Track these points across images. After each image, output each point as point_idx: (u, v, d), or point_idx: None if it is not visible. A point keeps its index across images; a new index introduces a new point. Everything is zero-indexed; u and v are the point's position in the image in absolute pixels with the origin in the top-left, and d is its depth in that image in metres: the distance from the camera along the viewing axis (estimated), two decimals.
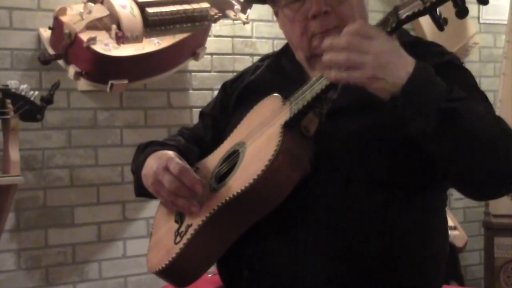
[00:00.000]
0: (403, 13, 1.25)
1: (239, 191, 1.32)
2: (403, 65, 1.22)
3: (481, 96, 1.41)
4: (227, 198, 1.34)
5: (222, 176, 1.46)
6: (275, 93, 1.47)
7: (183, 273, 1.43)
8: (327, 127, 1.40)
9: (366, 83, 1.22)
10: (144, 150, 1.60)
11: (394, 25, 1.26)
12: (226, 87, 1.72)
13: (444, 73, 1.29)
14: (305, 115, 1.37)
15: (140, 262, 3.29)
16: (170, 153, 1.50)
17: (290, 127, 1.35)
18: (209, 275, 2.64)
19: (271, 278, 1.39)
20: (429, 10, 1.24)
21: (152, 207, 1.65)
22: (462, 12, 1.24)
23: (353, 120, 1.40)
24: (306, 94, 1.35)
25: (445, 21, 1.26)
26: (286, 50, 1.63)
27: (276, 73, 1.61)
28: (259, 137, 1.41)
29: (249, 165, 1.38)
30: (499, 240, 3.73)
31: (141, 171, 1.54)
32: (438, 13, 1.25)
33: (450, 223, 3.32)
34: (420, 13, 1.25)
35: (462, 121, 1.22)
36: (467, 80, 1.43)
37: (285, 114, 1.37)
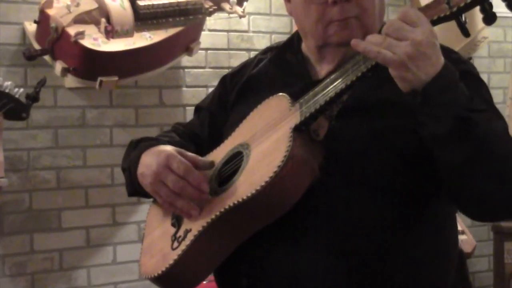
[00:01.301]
0: (428, 18, 1.26)
1: (244, 197, 1.31)
2: (435, 63, 1.24)
3: (496, 114, 1.42)
4: (231, 204, 1.33)
5: (224, 179, 1.44)
6: (279, 89, 1.46)
7: (181, 281, 1.43)
8: (334, 128, 1.40)
9: (393, 67, 1.24)
10: (137, 146, 1.59)
11: None
12: (226, 81, 1.70)
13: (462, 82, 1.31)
14: (316, 119, 1.36)
15: (131, 268, 3.30)
16: (169, 148, 1.48)
17: (300, 131, 1.35)
18: (205, 282, 2.63)
19: (271, 286, 1.40)
20: (455, 15, 1.25)
21: (144, 210, 1.65)
22: (490, 18, 1.24)
23: (360, 122, 1.41)
24: (319, 97, 1.34)
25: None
26: (291, 43, 1.63)
27: (280, 67, 1.61)
28: (265, 140, 1.40)
29: (255, 169, 1.37)
30: (509, 245, 3.74)
31: (135, 169, 1.53)
32: (463, 19, 1.25)
33: (458, 227, 3.32)
34: (446, 18, 1.26)
35: (476, 133, 1.24)
36: (483, 95, 1.45)
37: (294, 117, 1.36)
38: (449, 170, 1.30)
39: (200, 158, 1.48)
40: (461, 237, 3.51)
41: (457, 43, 3.64)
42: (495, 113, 1.40)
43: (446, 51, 1.47)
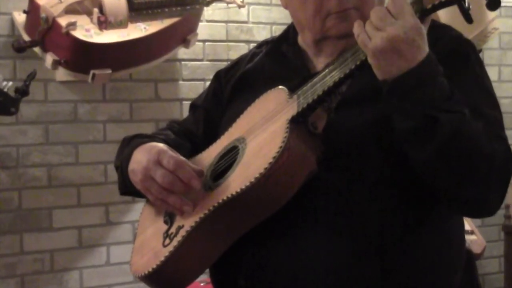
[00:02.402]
0: (429, 2, 1.26)
1: (238, 190, 1.32)
2: (410, 58, 1.25)
3: (490, 102, 1.42)
4: (225, 198, 1.34)
5: (219, 174, 1.45)
6: (276, 82, 1.47)
7: (172, 279, 1.43)
8: (333, 121, 1.41)
9: (367, 54, 1.27)
10: (130, 143, 1.60)
11: (418, 15, 1.27)
12: (220, 77, 1.71)
13: (457, 64, 1.32)
14: (314, 111, 1.37)
15: (125, 269, 3.29)
16: (161, 145, 1.50)
17: (297, 123, 1.36)
18: (201, 284, 2.65)
19: (269, 286, 1.40)
20: (458, 0, 1.25)
21: (138, 210, 1.65)
22: (493, 2, 1.24)
23: (360, 113, 1.41)
24: (317, 87, 1.35)
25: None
26: (286, 35, 1.64)
27: (276, 60, 1.61)
28: (261, 133, 1.41)
29: (250, 162, 1.37)
30: None
31: (127, 166, 1.53)
32: (467, 4, 1.25)
33: (467, 227, 3.32)
34: (448, 3, 1.26)
35: (442, 134, 1.25)
36: (480, 78, 1.45)
37: (292, 109, 1.37)
38: (416, 165, 1.32)
39: (190, 164, 1.48)
40: (470, 238, 3.51)
41: (467, 34, 3.63)
42: (488, 101, 1.41)
43: (447, 29, 1.48)
